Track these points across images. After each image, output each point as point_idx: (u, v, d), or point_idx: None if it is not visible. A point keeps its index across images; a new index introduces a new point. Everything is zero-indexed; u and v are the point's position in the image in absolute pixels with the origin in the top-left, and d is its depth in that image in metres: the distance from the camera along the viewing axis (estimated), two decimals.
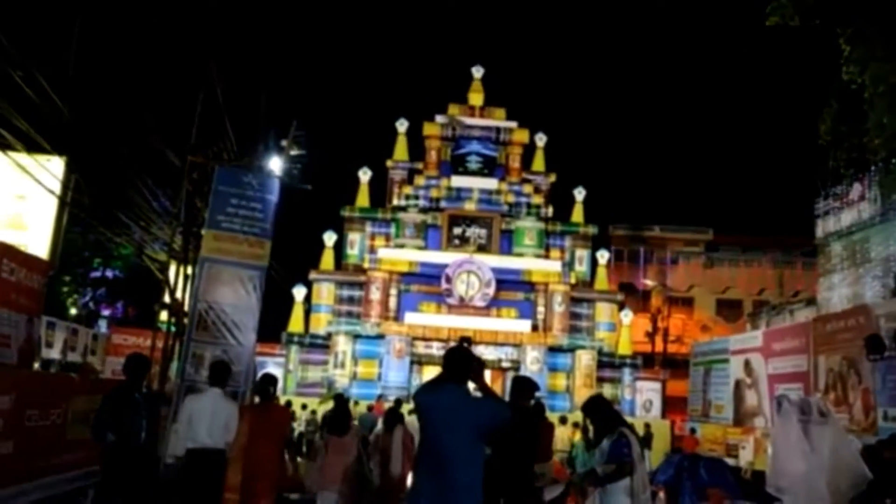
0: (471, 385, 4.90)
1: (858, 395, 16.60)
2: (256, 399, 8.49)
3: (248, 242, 10.92)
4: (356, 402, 22.74)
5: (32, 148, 9.96)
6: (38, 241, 10.06)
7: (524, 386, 6.52)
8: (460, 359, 4.90)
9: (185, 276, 12.33)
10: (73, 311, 37.60)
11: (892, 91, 13.08)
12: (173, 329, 12.24)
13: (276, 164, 13.09)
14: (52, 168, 10.23)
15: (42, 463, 7.49)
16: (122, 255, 36.07)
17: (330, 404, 23.87)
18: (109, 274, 40.58)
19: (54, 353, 23.90)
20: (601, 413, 5.85)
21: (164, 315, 13.60)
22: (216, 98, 12.12)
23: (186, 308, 11.51)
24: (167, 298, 12.22)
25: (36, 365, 21.21)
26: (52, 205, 10.42)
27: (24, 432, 7.03)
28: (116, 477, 6.27)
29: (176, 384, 10.68)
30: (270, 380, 7.74)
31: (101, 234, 14.83)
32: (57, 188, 10.18)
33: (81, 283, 38.92)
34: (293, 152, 13.50)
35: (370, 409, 20.42)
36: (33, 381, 7.81)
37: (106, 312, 42.18)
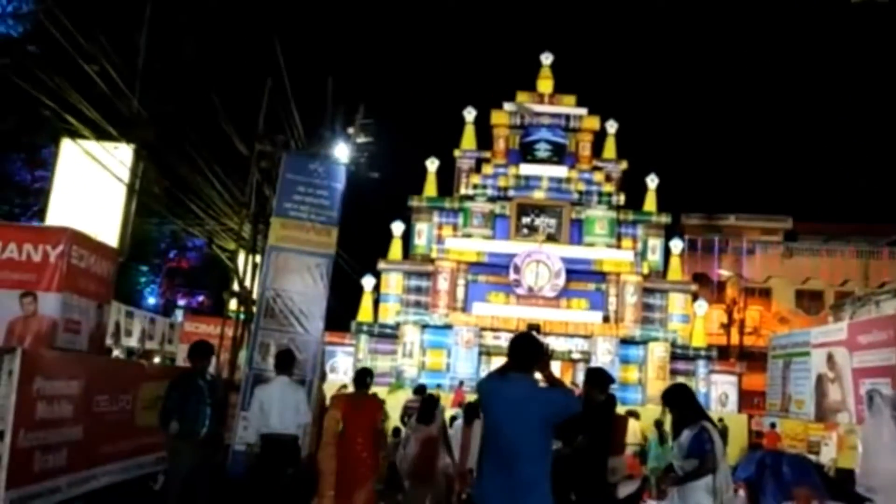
0: (537, 376, 4.64)
1: None
2: (351, 389, 8.85)
3: (316, 230, 10.84)
4: (415, 391, 22.67)
5: (101, 136, 10.11)
6: (108, 229, 10.16)
7: (599, 377, 6.18)
8: (527, 347, 4.64)
9: (254, 265, 12.37)
10: (152, 300, 38.78)
11: None
12: (242, 317, 12.28)
13: (343, 152, 13.01)
14: (121, 156, 10.35)
15: (111, 448, 7.53)
16: (196, 246, 37.00)
17: (399, 394, 24.17)
18: (185, 265, 41.69)
19: (133, 342, 24.62)
20: (683, 403, 5.47)
21: (233, 304, 13.70)
22: (283, 86, 12.10)
23: (255, 296, 11.52)
24: (236, 287, 12.25)
25: (116, 353, 22.07)
26: (121, 193, 10.51)
27: (93, 418, 7.06)
28: (182, 464, 6.23)
29: (244, 373, 10.70)
30: (367, 372, 8.19)
31: (174, 223, 15.04)
32: (126, 176, 10.28)
33: (158, 274, 40.07)
34: (360, 140, 13.40)
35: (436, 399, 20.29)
36: (102, 368, 7.86)
37: (182, 302, 43.37)
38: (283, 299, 10.67)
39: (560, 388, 4.73)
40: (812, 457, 17.24)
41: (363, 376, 8.07)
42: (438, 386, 24.27)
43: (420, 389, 15.56)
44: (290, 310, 10.68)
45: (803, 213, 42.71)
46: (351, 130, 13.28)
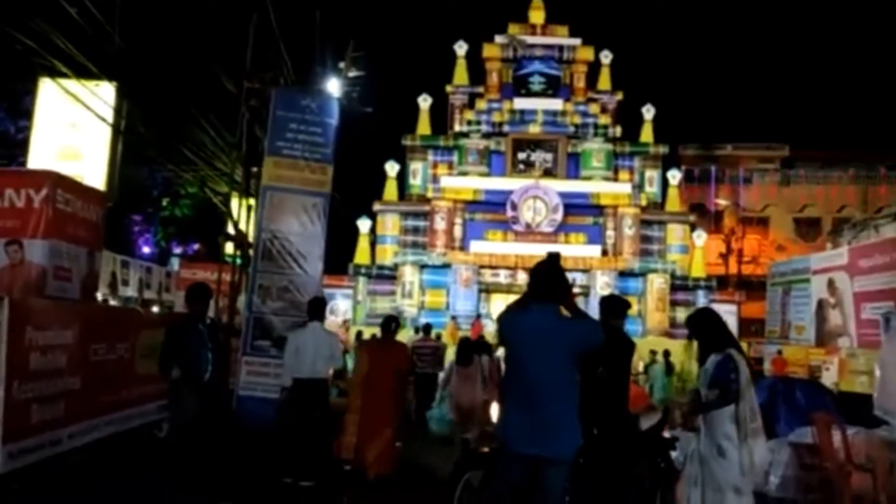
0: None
1: None
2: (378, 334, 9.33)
3: (310, 168, 10.45)
4: (416, 330, 22.71)
5: (82, 74, 9.62)
6: (93, 171, 9.77)
7: (616, 305, 5.90)
8: (549, 275, 4.37)
9: (248, 208, 12.02)
10: (146, 249, 38.49)
11: None
12: (239, 262, 11.99)
13: (334, 87, 12.53)
14: (103, 95, 9.88)
15: (112, 397, 7.31)
16: (190, 193, 36.44)
17: (400, 334, 24.15)
18: (178, 213, 41.23)
19: (130, 291, 24.47)
20: (708, 329, 5.21)
21: (230, 248, 13.40)
22: (269, 20, 11.56)
23: (251, 239, 11.21)
24: (231, 230, 11.91)
25: (113, 303, 21.88)
26: (105, 133, 10.07)
27: (90, 367, 6.82)
28: (186, 410, 6.02)
29: (245, 316, 10.47)
30: (393, 319, 8.73)
31: (162, 167, 14.58)
32: (109, 116, 9.83)
33: (152, 223, 39.67)
34: (352, 74, 12.90)
35: (438, 337, 20.24)
36: (97, 316, 7.58)
37: (177, 251, 43.08)
38: (280, 241, 10.35)
39: (585, 317, 4.47)
40: None
41: (389, 323, 8.53)
42: (479, 317, 24.56)
43: (426, 328, 15.59)
44: (288, 251, 10.38)
45: (800, 140, 42.31)
46: (342, 65, 12.79)
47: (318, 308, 8.05)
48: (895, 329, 8.27)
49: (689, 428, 5.36)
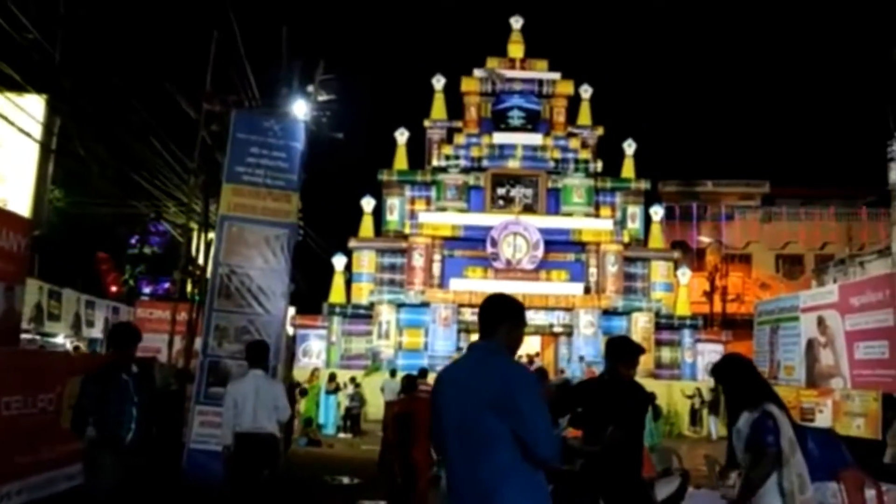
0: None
1: None
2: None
3: (273, 196, 9.57)
4: (392, 373, 21.76)
5: (5, 84, 8.61)
6: (18, 195, 8.75)
7: (624, 348, 4.90)
8: (487, 308, 3.41)
9: (207, 242, 11.08)
10: (114, 288, 37.28)
11: None
12: (197, 300, 11.00)
13: (301, 109, 11.64)
14: (30, 108, 8.87)
15: (28, 459, 6.26)
16: (159, 231, 35.44)
17: (376, 377, 23.10)
18: (147, 251, 40.19)
19: (96, 332, 23.46)
20: (739, 379, 4.31)
21: (191, 285, 12.42)
22: (234, 38, 10.73)
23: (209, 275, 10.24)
24: (186, 264, 10.92)
25: (81, 346, 20.75)
26: (32, 152, 9.07)
27: (2, 423, 5.78)
28: (102, 480, 4.98)
29: (199, 360, 9.48)
30: (414, 378, 9.10)
31: (121, 201, 13.54)
32: (36, 132, 8.81)
33: (120, 261, 38.54)
34: (322, 98, 12.06)
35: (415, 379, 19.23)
36: (15, 362, 6.54)
37: (147, 290, 41.95)
38: (239, 276, 9.44)
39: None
40: (805, 424, 16.46)
41: (410, 381, 8.88)
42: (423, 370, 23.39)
43: (422, 373, 14.57)
44: (248, 288, 9.45)
45: (781, 177, 42.20)
46: (311, 88, 11.94)
47: (258, 354, 7.10)
48: None
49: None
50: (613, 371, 4.61)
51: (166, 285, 41.82)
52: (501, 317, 3.32)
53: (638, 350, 4.95)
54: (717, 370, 4.46)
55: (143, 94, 10.53)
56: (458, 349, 26.87)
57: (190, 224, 11.50)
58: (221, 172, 10.35)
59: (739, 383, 4.32)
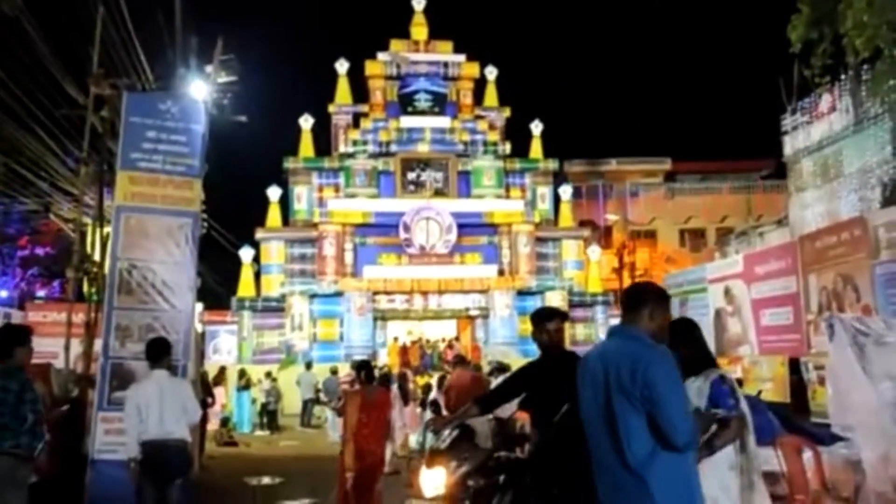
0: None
1: (858, 313, 15.62)
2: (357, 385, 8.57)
3: (174, 184, 8.89)
4: (308, 366, 21.25)
5: None
6: None
7: (538, 312, 4.94)
8: (629, 293, 3.54)
9: (104, 237, 10.29)
10: (4, 293, 35.12)
11: None
12: (95, 299, 10.22)
13: (200, 90, 10.93)
14: None
15: None
16: (52, 229, 33.50)
17: (291, 370, 22.45)
18: (40, 251, 37.96)
19: None
20: (696, 341, 4.11)
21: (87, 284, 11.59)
22: (122, 15, 9.95)
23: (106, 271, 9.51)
24: (80, 261, 10.13)
25: None
26: None
27: None
28: None
29: (100, 363, 8.76)
30: (368, 364, 8.18)
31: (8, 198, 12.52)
32: None
33: (9, 264, 36.28)
34: (222, 80, 11.38)
35: (334, 372, 18.74)
36: None
37: (42, 293, 39.71)
38: (140, 270, 8.72)
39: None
40: None
41: (371, 370, 8.06)
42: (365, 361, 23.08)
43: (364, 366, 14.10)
44: (151, 283, 8.76)
45: (681, 153, 43.20)
46: (209, 69, 11.24)
47: (158, 351, 6.50)
48: (839, 336, 7.44)
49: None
50: (540, 341, 4.44)
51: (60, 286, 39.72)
52: (642, 301, 3.36)
53: (552, 311, 4.90)
54: (674, 328, 4.18)
55: (22, 78, 9.66)
56: (375, 339, 26.53)
57: (82, 218, 10.66)
58: (115, 160, 9.63)
59: (697, 345, 4.10)
